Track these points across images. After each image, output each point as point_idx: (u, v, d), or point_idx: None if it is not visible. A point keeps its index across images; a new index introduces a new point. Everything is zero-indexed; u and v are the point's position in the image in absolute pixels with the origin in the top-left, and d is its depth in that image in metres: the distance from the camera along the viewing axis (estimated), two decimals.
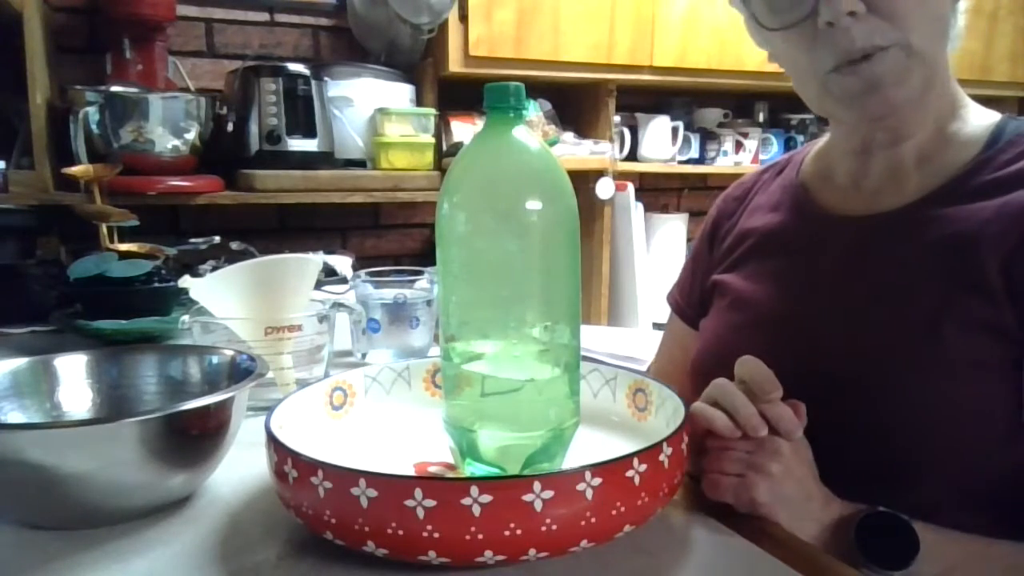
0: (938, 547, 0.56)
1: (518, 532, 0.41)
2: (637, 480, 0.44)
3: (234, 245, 1.42)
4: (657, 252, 2.30)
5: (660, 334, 0.96)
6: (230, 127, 1.67)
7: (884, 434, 0.62)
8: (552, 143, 1.97)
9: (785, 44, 0.67)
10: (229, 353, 0.65)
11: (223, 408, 0.54)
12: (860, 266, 0.67)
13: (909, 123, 0.68)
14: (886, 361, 0.63)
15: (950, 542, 0.58)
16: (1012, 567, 0.59)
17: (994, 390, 0.60)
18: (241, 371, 0.62)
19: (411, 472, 0.56)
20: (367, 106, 1.82)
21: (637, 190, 2.20)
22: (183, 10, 1.82)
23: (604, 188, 2.06)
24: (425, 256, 2.16)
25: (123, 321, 0.95)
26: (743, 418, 0.55)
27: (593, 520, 0.43)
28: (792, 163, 0.82)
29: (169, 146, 1.56)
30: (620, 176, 2.11)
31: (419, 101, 1.93)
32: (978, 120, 0.69)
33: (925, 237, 0.64)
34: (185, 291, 0.79)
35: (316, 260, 0.85)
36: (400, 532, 0.42)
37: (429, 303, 0.95)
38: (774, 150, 2.30)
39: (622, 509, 0.44)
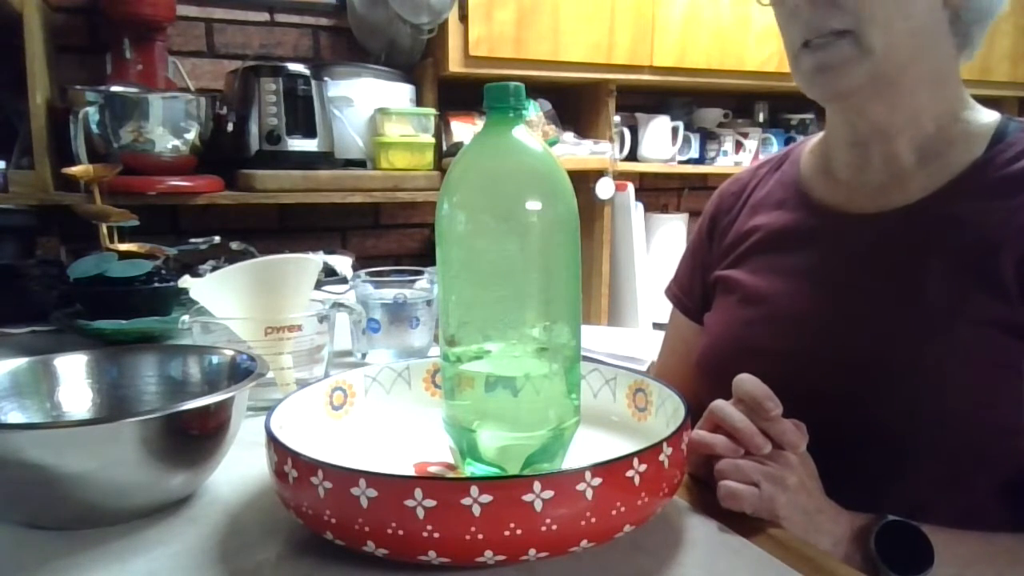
0: (947, 549, 0.56)
1: (518, 532, 0.41)
2: (637, 480, 0.44)
3: (234, 245, 1.42)
4: (657, 252, 2.30)
5: (660, 334, 0.96)
6: (230, 127, 1.68)
7: (903, 427, 0.62)
8: (552, 143, 1.96)
9: (776, 16, 0.71)
10: (229, 353, 0.65)
11: (223, 408, 0.54)
12: (879, 263, 0.68)
13: (877, 116, 0.69)
14: (910, 358, 0.63)
15: (956, 542, 0.58)
16: (1017, 561, 0.59)
17: (1007, 387, 0.61)
18: (241, 371, 0.62)
19: (411, 472, 0.56)
20: (367, 106, 1.82)
21: (637, 190, 2.20)
22: (183, 10, 1.82)
23: (604, 188, 2.06)
24: (425, 256, 2.16)
25: (123, 321, 0.95)
26: (745, 436, 0.56)
27: (593, 520, 0.43)
28: (790, 159, 0.82)
29: (169, 146, 1.56)
30: (620, 176, 2.11)
31: (419, 101, 1.93)
32: (981, 119, 0.70)
33: (941, 235, 0.65)
34: (185, 291, 0.79)
35: (316, 260, 0.85)
36: (400, 532, 0.42)
37: (429, 303, 0.95)
38: (774, 150, 2.29)
39: (622, 509, 0.44)
